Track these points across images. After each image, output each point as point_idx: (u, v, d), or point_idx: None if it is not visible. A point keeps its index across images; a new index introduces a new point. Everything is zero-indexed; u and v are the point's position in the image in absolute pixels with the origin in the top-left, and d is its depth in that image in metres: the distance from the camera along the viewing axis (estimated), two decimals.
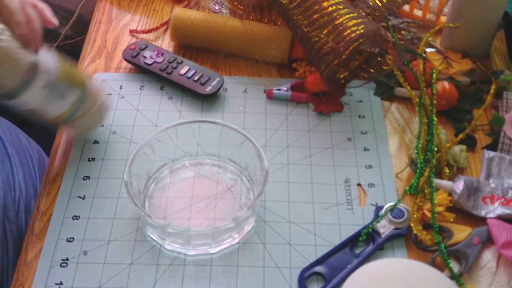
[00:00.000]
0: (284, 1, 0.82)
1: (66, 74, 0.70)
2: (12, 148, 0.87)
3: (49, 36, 1.54)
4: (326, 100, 0.85)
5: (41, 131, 0.97)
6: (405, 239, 0.70)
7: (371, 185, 0.75)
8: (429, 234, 0.68)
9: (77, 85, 0.71)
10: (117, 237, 0.69)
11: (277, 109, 0.84)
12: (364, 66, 0.84)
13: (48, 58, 0.68)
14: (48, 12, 0.68)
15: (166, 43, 0.94)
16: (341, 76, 0.84)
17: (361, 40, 0.80)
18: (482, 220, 0.70)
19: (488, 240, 0.68)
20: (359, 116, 0.84)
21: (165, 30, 0.97)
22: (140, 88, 0.87)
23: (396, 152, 0.79)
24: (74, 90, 0.71)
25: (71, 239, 0.69)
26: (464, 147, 0.77)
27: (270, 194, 0.73)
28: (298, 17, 0.81)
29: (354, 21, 0.77)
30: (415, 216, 0.70)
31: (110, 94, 0.85)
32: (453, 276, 0.64)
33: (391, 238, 0.69)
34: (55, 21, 0.68)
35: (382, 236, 0.69)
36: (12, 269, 0.77)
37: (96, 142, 0.79)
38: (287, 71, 0.90)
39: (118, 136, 0.80)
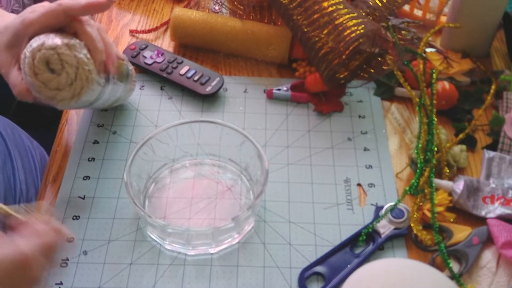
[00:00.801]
0: (284, 1, 0.82)
1: (118, 66, 0.74)
2: (14, 148, 0.87)
3: None
4: (326, 100, 0.85)
5: (44, 132, 0.97)
6: (405, 239, 0.70)
7: (371, 185, 0.75)
8: (429, 234, 0.68)
9: (124, 70, 0.76)
10: (117, 237, 0.69)
11: (277, 109, 0.84)
12: (364, 66, 0.84)
13: None
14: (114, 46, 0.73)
15: (166, 43, 0.94)
16: (341, 76, 0.84)
17: (361, 40, 0.80)
18: (482, 220, 0.70)
19: (488, 240, 0.68)
20: (359, 116, 0.84)
21: (165, 30, 0.97)
22: (140, 88, 0.87)
23: (396, 152, 0.79)
24: (124, 76, 0.76)
25: (71, 239, 0.69)
26: (464, 147, 0.77)
27: (270, 194, 0.73)
28: (298, 17, 0.81)
29: (354, 21, 0.77)
30: (415, 216, 0.70)
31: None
32: (453, 276, 0.64)
33: (391, 238, 0.69)
34: (121, 54, 0.74)
35: (382, 236, 0.69)
36: None
37: (96, 142, 0.79)
38: (287, 71, 0.90)
39: (118, 136, 0.80)
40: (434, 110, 0.78)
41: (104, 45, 0.69)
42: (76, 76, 0.65)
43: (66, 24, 0.67)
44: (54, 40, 0.64)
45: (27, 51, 0.65)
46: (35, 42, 0.65)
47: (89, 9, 0.67)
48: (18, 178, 0.85)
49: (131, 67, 0.80)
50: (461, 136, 0.79)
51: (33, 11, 0.66)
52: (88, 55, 0.66)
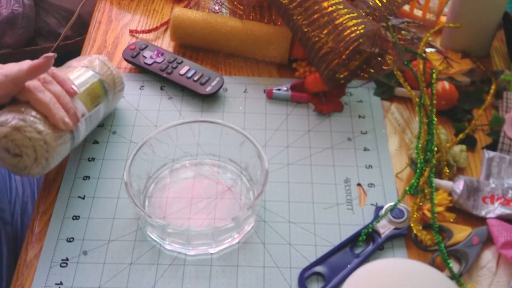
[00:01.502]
0: (284, 1, 0.82)
1: (91, 102, 0.74)
2: None
3: (49, 36, 1.55)
4: (326, 100, 0.85)
5: None
6: (405, 239, 0.70)
7: (371, 185, 0.75)
8: (429, 234, 0.68)
9: (99, 92, 0.75)
10: (117, 237, 0.69)
11: (277, 109, 0.84)
12: (364, 66, 0.84)
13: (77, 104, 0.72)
14: (69, 82, 0.71)
15: (166, 43, 0.94)
16: (341, 76, 0.84)
17: (361, 40, 0.80)
18: (482, 220, 0.70)
19: (488, 240, 0.68)
20: (359, 116, 0.84)
21: (165, 30, 0.97)
22: (140, 88, 0.87)
23: (396, 152, 0.79)
24: (101, 96, 0.76)
25: (71, 239, 0.69)
26: (464, 147, 0.77)
27: (270, 194, 0.73)
28: (298, 17, 0.81)
29: (354, 21, 0.77)
30: (415, 216, 0.70)
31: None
32: (453, 276, 0.64)
33: (391, 238, 0.69)
34: (76, 89, 0.72)
35: (382, 236, 0.69)
36: (6, 270, 0.77)
37: (96, 142, 0.79)
38: (287, 71, 0.90)
39: (118, 136, 0.80)
40: (434, 110, 0.78)
41: (57, 97, 0.68)
42: (36, 153, 0.66)
43: (18, 92, 0.67)
44: (2, 127, 0.64)
45: None
46: None
47: (33, 73, 0.67)
48: (14, 179, 0.85)
49: (112, 69, 0.78)
50: (461, 136, 0.79)
51: None
52: (41, 126, 0.66)
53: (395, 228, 0.69)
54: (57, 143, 0.67)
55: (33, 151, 0.65)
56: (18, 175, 0.69)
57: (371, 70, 0.84)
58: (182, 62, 0.88)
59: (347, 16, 0.77)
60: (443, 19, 0.94)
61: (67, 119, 0.68)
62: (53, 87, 0.69)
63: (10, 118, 0.65)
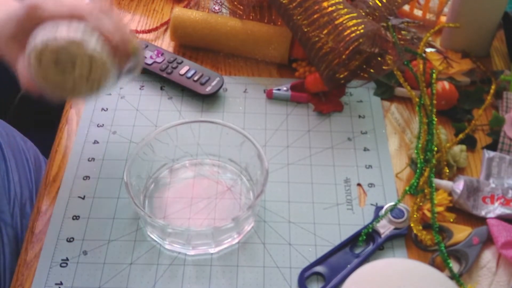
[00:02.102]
0: (284, 1, 0.82)
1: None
2: (8, 150, 0.86)
3: None
4: (326, 100, 0.85)
5: (38, 132, 0.97)
6: (405, 239, 0.70)
7: (371, 185, 0.75)
8: (429, 234, 0.68)
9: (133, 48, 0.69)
10: (117, 237, 0.69)
11: (277, 109, 0.84)
12: (364, 66, 0.84)
13: None
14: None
15: (166, 43, 0.94)
16: (341, 76, 0.84)
17: (361, 40, 0.80)
18: (482, 220, 0.70)
19: (488, 240, 0.68)
20: (359, 116, 0.84)
21: (165, 30, 0.97)
22: (140, 88, 0.87)
23: (396, 152, 0.80)
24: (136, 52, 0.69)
25: (71, 239, 0.69)
26: (464, 147, 0.77)
27: (270, 194, 0.73)
28: (298, 17, 0.81)
29: (354, 21, 0.77)
30: (415, 216, 0.70)
31: (110, 94, 0.85)
32: (453, 276, 0.64)
33: (391, 238, 0.69)
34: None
35: (382, 236, 0.69)
36: (9, 271, 0.77)
37: (96, 142, 0.79)
38: (287, 71, 0.90)
39: (118, 136, 0.80)
40: (434, 110, 0.78)
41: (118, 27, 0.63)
42: (91, 72, 0.59)
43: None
44: (57, 41, 0.57)
45: (31, 52, 0.58)
46: (39, 41, 0.57)
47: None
48: (12, 180, 0.84)
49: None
50: (461, 136, 0.79)
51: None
52: (100, 45, 0.59)
53: (395, 228, 0.69)
54: (112, 68, 0.61)
55: (88, 69, 0.58)
56: (61, 97, 0.63)
57: (371, 70, 0.84)
58: (182, 62, 0.88)
59: (347, 16, 0.77)
60: (443, 19, 0.94)
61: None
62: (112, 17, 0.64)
63: (68, 27, 0.58)
